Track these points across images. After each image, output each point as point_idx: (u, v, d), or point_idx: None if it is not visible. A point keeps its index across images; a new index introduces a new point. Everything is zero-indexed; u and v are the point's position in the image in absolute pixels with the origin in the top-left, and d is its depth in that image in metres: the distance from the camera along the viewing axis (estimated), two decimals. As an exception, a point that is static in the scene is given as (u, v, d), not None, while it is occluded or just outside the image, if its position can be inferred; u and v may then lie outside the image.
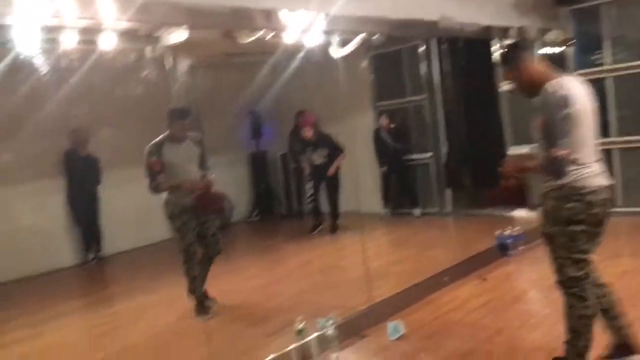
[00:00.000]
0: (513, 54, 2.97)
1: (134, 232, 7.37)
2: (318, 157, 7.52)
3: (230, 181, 9.06)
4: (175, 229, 4.49)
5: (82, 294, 5.24)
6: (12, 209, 6.93)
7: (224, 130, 8.86)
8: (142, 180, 4.46)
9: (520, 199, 7.19)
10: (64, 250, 7.29)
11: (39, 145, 6.83)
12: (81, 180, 7.09)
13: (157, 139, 4.44)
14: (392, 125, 8.00)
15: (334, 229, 7.45)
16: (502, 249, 5.59)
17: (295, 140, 8.17)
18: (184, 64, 6.18)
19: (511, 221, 6.21)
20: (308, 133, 7.53)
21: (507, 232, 5.69)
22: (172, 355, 3.89)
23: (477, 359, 3.34)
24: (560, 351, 2.91)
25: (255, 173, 9.43)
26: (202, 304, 4.57)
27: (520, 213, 7.08)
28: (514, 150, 7.30)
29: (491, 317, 4.03)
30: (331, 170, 7.45)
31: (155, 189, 4.43)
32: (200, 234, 4.53)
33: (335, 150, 7.46)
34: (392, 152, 8.00)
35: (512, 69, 2.93)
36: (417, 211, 8.05)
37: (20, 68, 4.98)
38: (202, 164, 4.62)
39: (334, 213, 7.52)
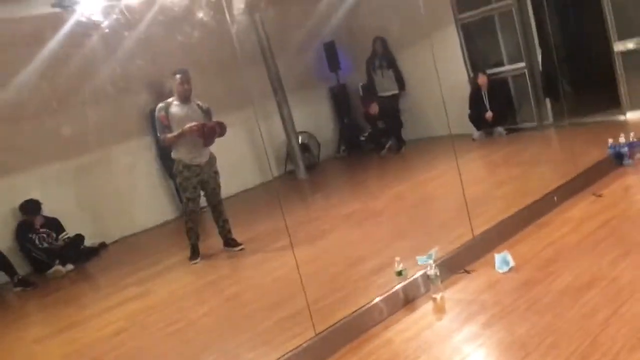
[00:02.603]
0: None
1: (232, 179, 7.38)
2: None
3: (313, 118, 8.88)
4: (178, 183, 5.18)
5: (185, 247, 5.30)
6: (107, 171, 7.15)
7: (300, 67, 8.60)
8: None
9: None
10: (160, 206, 7.49)
11: (121, 105, 6.91)
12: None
13: (167, 100, 4.99)
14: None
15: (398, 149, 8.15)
16: (617, 159, 5.02)
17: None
18: (239, 3, 5.90)
19: (624, 126, 5.55)
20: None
21: (622, 139, 5.08)
22: (274, 301, 3.82)
23: (601, 289, 2.97)
24: None
25: (337, 107, 9.14)
26: (195, 250, 5.23)
27: (635, 115, 6.36)
28: (619, 46, 6.51)
29: (613, 238, 3.59)
30: None
31: (163, 141, 5.03)
32: (203, 189, 5.13)
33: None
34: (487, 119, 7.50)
35: None
36: (499, 130, 7.48)
37: (86, 28, 4.95)
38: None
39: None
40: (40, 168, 6.67)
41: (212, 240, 5.47)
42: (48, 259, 6.31)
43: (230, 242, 5.27)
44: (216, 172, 5.18)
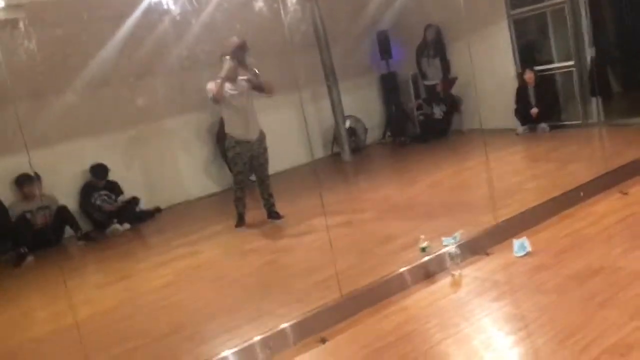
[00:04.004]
0: None
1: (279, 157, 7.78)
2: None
3: (362, 104, 9.19)
4: (230, 157, 5.54)
5: (232, 216, 5.76)
6: (166, 141, 7.70)
7: (353, 54, 8.90)
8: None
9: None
10: (211, 178, 8.02)
11: (184, 82, 7.40)
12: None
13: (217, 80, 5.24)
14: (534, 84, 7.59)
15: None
16: (651, 160, 5.15)
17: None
18: None
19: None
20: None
21: (658, 141, 5.21)
22: (308, 267, 4.19)
23: (605, 276, 3.22)
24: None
25: (386, 95, 9.41)
26: (242, 218, 5.67)
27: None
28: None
29: (628, 232, 3.81)
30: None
31: (212, 93, 5.24)
32: (252, 164, 5.48)
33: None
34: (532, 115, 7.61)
35: None
36: (543, 126, 7.61)
37: (158, 12, 5.41)
38: (257, 88, 5.38)
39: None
40: (107, 135, 7.25)
41: (257, 212, 5.89)
42: (107, 218, 6.91)
43: (273, 215, 5.69)
44: (265, 149, 5.55)
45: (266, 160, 5.59)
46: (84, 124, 6.99)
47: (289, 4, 6.48)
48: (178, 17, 5.77)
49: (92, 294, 4.74)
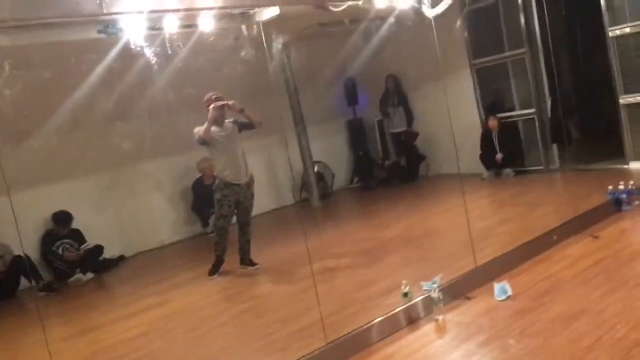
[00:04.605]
0: None
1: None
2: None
3: (329, 149, 9.26)
4: (216, 200, 5.37)
5: (203, 263, 5.63)
6: (129, 188, 7.53)
7: (321, 100, 9.01)
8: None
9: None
10: (177, 225, 7.86)
11: (152, 127, 7.30)
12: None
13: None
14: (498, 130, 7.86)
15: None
16: (616, 204, 5.33)
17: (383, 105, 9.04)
18: (279, 40, 6.33)
19: (625, 175, 5.88)
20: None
21: (621, 186, 5.40)
22: (287, 317, 4.10)
23: (588, 318, 3.26)
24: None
25: (354, 140, 9.52)
26: (216, 265, 5.51)
27: (637, 165, 6.67)
28: (625, 100, 6.86)
29: (604, 275, 3.89)
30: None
31: (200, 137, 5.21)
32: (236, 207, 5.39)
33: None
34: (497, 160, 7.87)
35: None
36: (508, 171, 7.82)
37: (129, 54, 5.39)
38: (245, 127, 5.38)
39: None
40: (68, 181, 7.03)
41: (229, 258, 5.77)
42: (69, 268, 6.64)
43: (246, 261, 5.58)
44: (252, 194, 5.47)
45: (251, 205, 5.51)
46: (46, 169, 6.77)
47: (259, 52, 6.54)
48: (154, 61, 5.75)
49: (60, 346, 4.49)
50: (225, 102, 5.21)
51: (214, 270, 5.53)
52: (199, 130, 5.21)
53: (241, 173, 5.34)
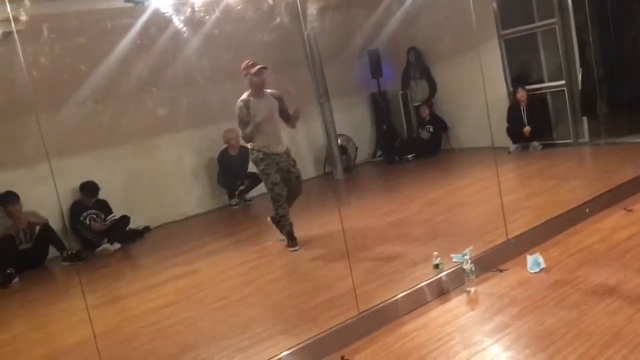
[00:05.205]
0: None
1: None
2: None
3: (353, 122, 9.18)
4: (260, 171, 5.16)
5: (229, 234, 5.63)
6: (156, 159, 7.55)
7: (346, 72, 8.91)
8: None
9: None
10: (202, 197, 7.89)
11: (178, 98, 7.28)
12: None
13: (243, 96, 5.02)
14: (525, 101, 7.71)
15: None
16: (650, 178, 5.20)
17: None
18: (314, 8, 6.21)
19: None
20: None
21: (655, 159, 5.27)
22: (315, 288, 4.10)
23: (624, 292, 3.20)
24: None
25: (377, 113, 9.42)
26: (291, 237, 5.23)
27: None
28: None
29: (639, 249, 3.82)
30: None
31: (245, 138, 5.13)
32: (285, 177, 5.15)
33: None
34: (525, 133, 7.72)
35: None
36: (535, 144, 7.69)
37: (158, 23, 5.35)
38: (283, 115, 5.20)
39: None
40: (96, 151, 7.08)
41: (256, 230, 5.77)
42: (97, 238, 6.71)
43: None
44: (295, 161, 5.28)
45: (300, 174, 5.33)
46: (74, 139, 6.81)
47: (284, 23, 6.45)
48: (184, 30, 5.70)
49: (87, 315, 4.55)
50: (264, 66, 4.98)
51: (292, 244, 5.24)
52: (245, 130, 5.02)
53: (279, 144, 5.16)
